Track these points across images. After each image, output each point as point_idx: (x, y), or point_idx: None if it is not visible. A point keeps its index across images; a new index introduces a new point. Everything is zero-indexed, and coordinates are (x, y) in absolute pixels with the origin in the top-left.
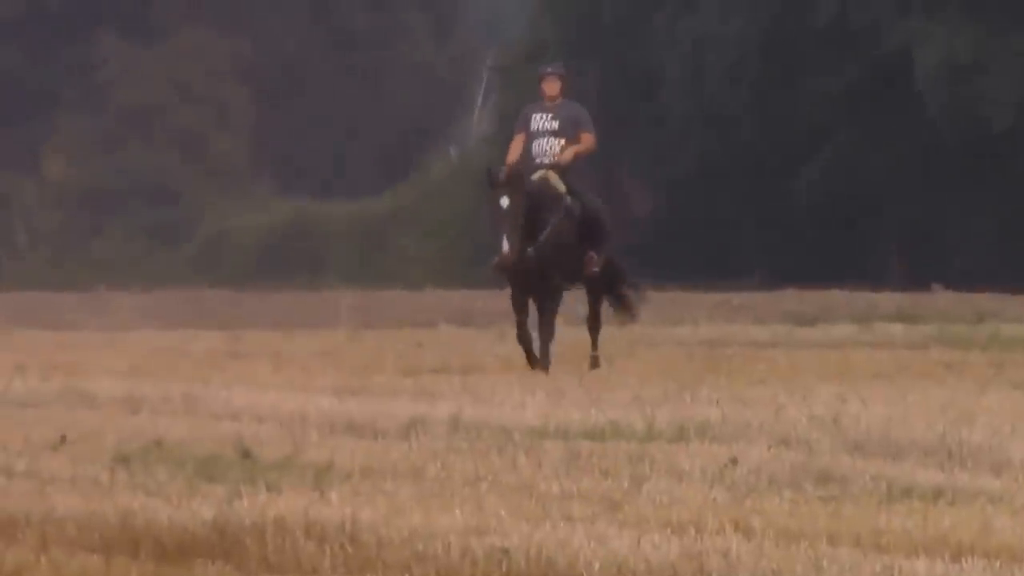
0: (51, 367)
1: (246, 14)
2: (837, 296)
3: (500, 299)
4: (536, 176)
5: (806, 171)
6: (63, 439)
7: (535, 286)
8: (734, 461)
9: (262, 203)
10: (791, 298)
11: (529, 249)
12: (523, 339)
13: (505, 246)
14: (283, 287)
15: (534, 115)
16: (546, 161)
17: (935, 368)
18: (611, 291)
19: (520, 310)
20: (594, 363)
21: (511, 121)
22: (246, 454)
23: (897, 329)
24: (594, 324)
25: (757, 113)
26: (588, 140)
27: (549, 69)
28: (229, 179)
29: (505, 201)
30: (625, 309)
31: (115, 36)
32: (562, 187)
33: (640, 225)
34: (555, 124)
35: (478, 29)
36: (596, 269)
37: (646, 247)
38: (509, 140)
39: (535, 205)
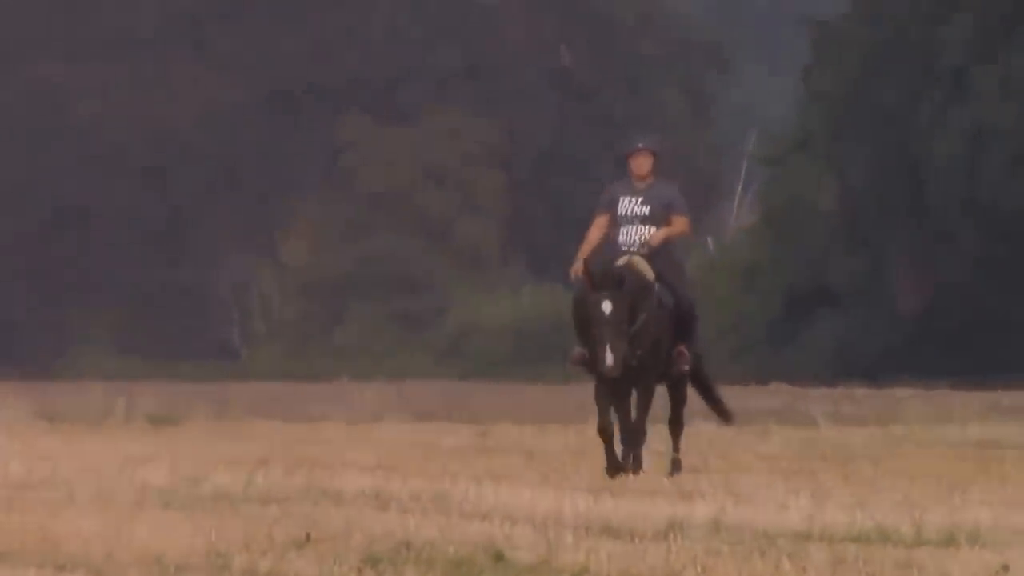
0: (294, 461)
1: (498, 96)
2: None
3: (764, 396)
4: (622, 261)
5: None
6: (308, 537)
7: (623, 383)
8: (1006, 568)
9: (513, 291)
10: None
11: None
12: (606, 432)
13: (609, 357)
14: (535, 379)
15: (622, 198)
16: (634, 249)
17: None
18: (701, 389)
19: (603, 406)
20: (675, 466)
21: (774, 213)
22: (499, 556)
23: None
24: (676, 424)
25: None
26: (681, 224)
27: (640, 144)
28: (478, 266)
29: (608, 307)
30: (721, 408)
31: (362, 118)
32: (650, 273)
33: (907, 322)
34: (646, 210)
35: (738, 116)
36: (687, 367)
37: (913, 343)
38: (771, 235)
39: (634, 297)
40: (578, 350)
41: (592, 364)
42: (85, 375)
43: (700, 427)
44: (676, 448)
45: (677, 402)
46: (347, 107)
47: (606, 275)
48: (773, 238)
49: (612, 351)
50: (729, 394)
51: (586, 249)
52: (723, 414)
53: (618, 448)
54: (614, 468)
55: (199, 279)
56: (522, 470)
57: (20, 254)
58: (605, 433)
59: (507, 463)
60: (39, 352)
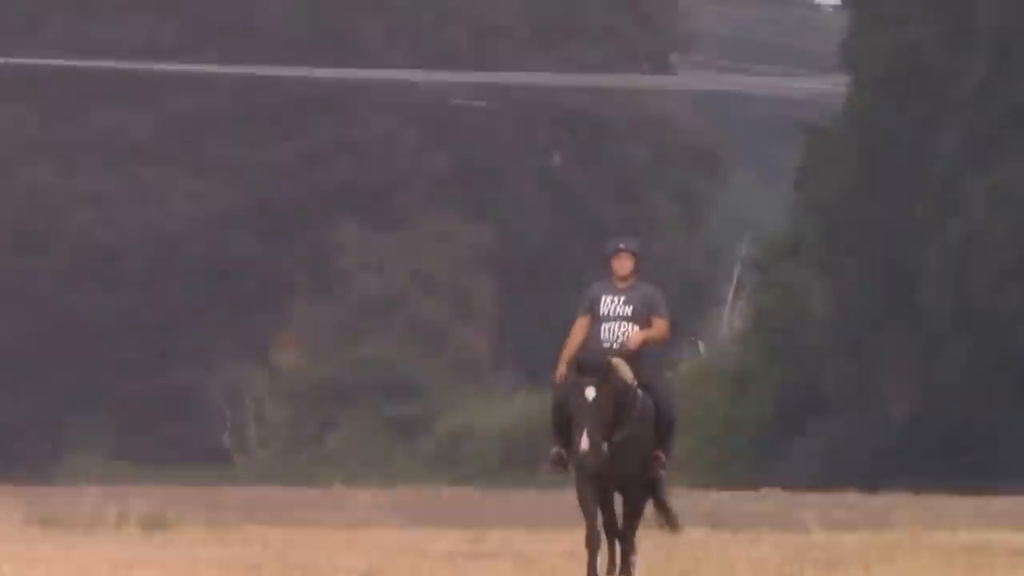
0: (287, 566)
1: (490, 202)
2: None
3: (755, 501)
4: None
5: None
6: None
7: (607, 484)
8: None
9: (504, 397)
10: None
11: (604, 446)
12: (593, 542)
13: (584, 443)
14: (527, 484)
15: (604, 297)
16: (615, 347)
17: None
18: (653, 492)
19: (591, 512)
20: (631, 549)
21: (766, 318)
22: None
23: None
24: (636, 516)
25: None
26: (661, 326)
27: (621, 245)
28: (470, 372)
29: (591, 393)
30: (668, 513)
31: (354, 223)
32: (632, 379)
33: (899, 427)
34: (628, 309)
35: (730, 221)
36: (663, 471)
37: (904, 449)
38: (762, 340)
39: (618, 401)
40: (555, 450)
41: (569, 459)
42: (78, 480)
43: (691, 533)
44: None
45: (642, 495)
46: (339, 212)
47: (595, 363)
48: (765, 343)
49: (589, 436)
50: (720, 499)
51: (569, 352)
52: (668, 518)
53: (602, 560)
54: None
55: (192, 384)
56: (514, 575)
57: (14, 358)
58: (592, 543)
59: (499, 568)
60: (32, 456)
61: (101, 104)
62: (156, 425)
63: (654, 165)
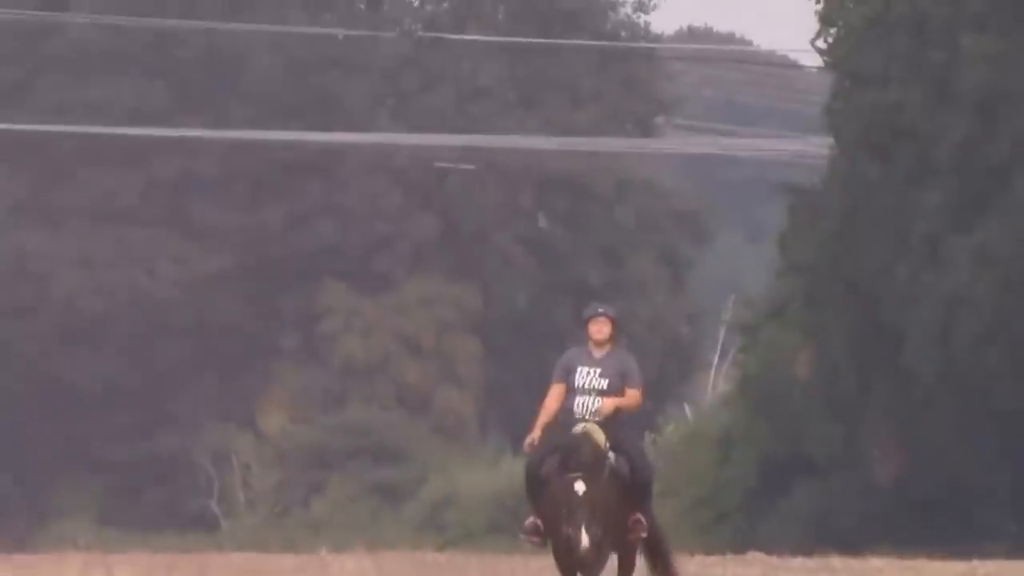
0: None
1: (475, 265)
2: None
3: (740, 565)
4: (578, 428)
5: None
6: None
7: (591, 564)
8: None
9: (491, 462)
10: None
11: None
12: None
13: (584, 539)
14: (513, 550)
15: (580, 368)
16: (587, 418)
17: None
18: (653, 558)
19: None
20: None
21: (751, 382)
22: None
23: None
24: None
25: (1010, 379)
26: (633, 397)
27: (600, 310)
28: (456, 436)
29: (581, 487)
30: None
31: (339, 287)
32: (605, 442)
33: (884, 490)
34: (604, 383)
35: (715, 283)
36: (644, 534)
37: (890, 512)
38: (748, 403)
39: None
40: (531, 520)
41: (559, 547)
42: (64, 546)
43: None
44: None
45: (626, 569)
46: (325, 275)
47: (579, 456)
48: (749, 406)
49: (587, 533)
50: (705, 563)
51: (543, 419)
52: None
53: None
54: None
55: (178, 449)
56: None
57: None
58: None
59: None
60: (17, 523)
61: (88, 168)
62: (142, 491)
63: (639, 227)
